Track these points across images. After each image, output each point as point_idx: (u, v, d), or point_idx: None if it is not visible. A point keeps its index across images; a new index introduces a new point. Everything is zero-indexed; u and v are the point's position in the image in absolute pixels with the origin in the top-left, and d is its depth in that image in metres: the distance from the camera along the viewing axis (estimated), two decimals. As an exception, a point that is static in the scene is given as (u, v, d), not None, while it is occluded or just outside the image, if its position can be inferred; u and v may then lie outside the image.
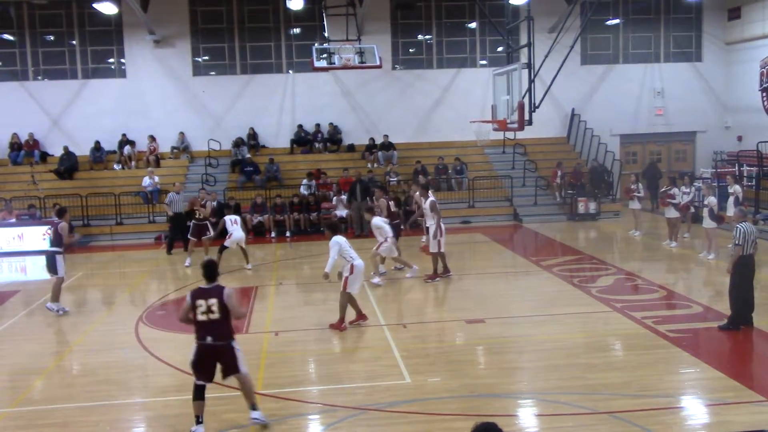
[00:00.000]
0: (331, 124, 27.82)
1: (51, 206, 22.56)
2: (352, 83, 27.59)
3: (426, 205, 15.66)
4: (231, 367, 8.04)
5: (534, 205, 25.39)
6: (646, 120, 29.12)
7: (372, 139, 27.25)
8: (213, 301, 7.90)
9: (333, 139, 27.71)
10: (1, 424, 8.56)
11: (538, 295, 14.25)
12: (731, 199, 17.65)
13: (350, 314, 12.17)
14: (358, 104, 28.11)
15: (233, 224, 17.36)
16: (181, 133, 27.23)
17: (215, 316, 7.90)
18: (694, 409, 8.67)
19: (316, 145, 27.53)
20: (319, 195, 24.43)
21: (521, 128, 18.35)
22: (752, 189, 22.80)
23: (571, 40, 20.24)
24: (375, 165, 26.49)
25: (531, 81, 18.13)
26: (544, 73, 19.08)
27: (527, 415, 8.62)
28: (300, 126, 27.68)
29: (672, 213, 18.92)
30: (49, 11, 26.89)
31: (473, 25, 28.50)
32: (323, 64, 21.70)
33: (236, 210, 23.06)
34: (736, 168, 24.12)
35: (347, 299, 12.02)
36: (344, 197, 23.59)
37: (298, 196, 24.16)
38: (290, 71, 27.91)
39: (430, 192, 16.23)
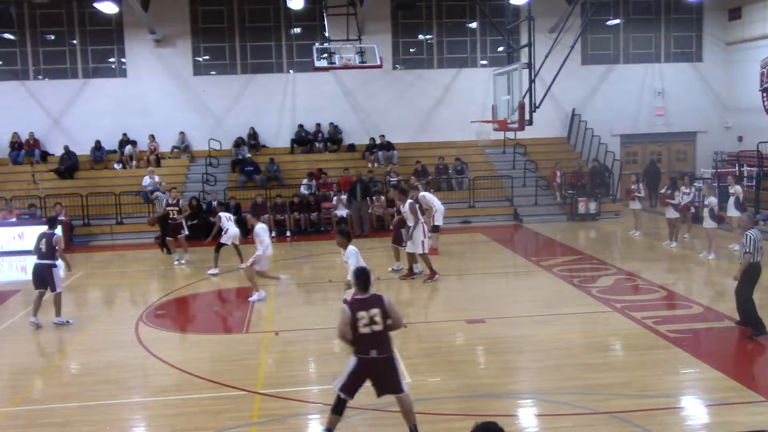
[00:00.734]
0: (331, 123, 27.82)
1: (51, 206, 22.62)
2: (352, 83, 27.59)
3: (405, 207, 15.53)
4: (392, 386, 7.48)
5: (534, 205, 25.39)
6: (646, 120, 29.12)
7: (372, 139, 27.26)
8: (375, 311, 7.37)
9: (333, 138, 27.71)
10: (1, 424, 8.56)
11: (539, 295, 14.25)
12: (732, 200, 17.66)
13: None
14: (359, 104, 28.11)
15: (228, 221, 17.38)
16: (182, 133, 27.23)
17: (378, 327, 7.36)
18: (694, 409, 8.67)
19: (317, 144, 27.54)
20: (319, 195, 24.44)
21: (522, 128, 18.36)
22: (752, 189, 22.79)
23: (572, 40, 20.27)
24: (375, 165, 26.50)
25: (531, 81, 18.14)
26: (544, 73, 19.09)
27: (527, 415, 8.62)
28: (300, 126, 27.69)
29: (672, 213, 18.92)
30: (50, 10, 26.89)
31: (474, 25, 28.51)
32: (324, 63, 21.71)
33: (237, 210, 23.13)
34: (737, 168, 24.12)
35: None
36: (344, 197, 23.58)
37: (299, 195, 24.16)
38: (291, 71, 27.91)
39: (424, 190, 16.11)
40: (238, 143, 26.92)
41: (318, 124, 27.73)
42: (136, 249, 21.48)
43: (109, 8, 23.76)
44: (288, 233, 23.16)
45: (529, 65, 18.15)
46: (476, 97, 26.63)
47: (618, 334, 11.46)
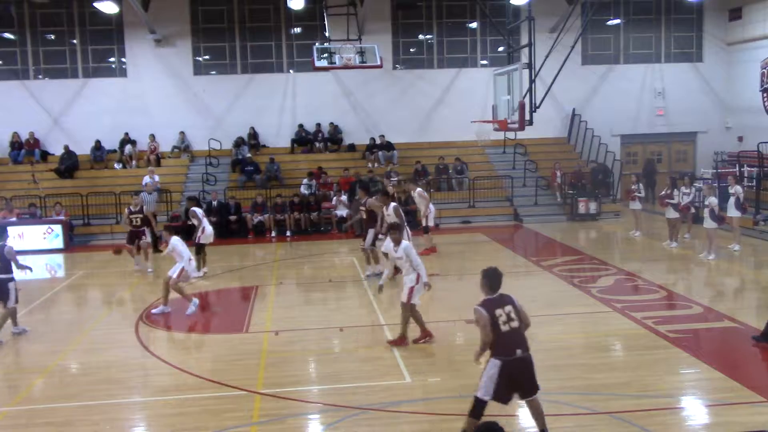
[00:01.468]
0: (331, 123, 27.82)
1: (52, 205, 22.63)
2: (352, 83, 27.59)
3: (389, 211, 15.44)
4: (533, 385, 7.25)
5: (534, 205, 25.39)
6: (646, 120, 29.12)
7: (372, 138, 27.27)
8: (509, 308, 7.22)
9: (333, 138, 27.72)
10: (1, 423, 8.56)
11: (539, 295, 14.23)
12: (732, 200, 17.64)
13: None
14: (359, 104, 28.11)
15: (203, 217, 16.65)
16: (182, 133, 27.24)
17: (516, 323, 7.18)
18: (694, 409, 8.67)
19: (317, 144, 27.54)
20: (319, 195, 24.43)
21: (522, 128, 18.35)
22: (753, 189, 22.79)
23: (572, 40, 20.25)
24: (375, 165, 26.50)
25: (532, 81, 18.13)
26: (544, 73, 19.07)
27: (527, 415, 8.61)
28: (300, 125, 27.69)
29: (672, 213, 18.92)
30: (50, 10, 26.90)
31: (474, 25, 28.51)
32: (324, 63, 21.71)
33: (237, 209, 23.13)
34: (737, 168, 24.12)
35: (411, 312, 10.96)
36: (345, 197, 23.58)
37: (299, 195, 24.16)
38: (291, 71, 27.91)
39: (418, 189, 15.97)
40: (239, 143, 26.92)
41: (318, 124, 27.73)
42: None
43: (110, 8, 23.76)
44: (288, 233, 23.15)
45: (530, 65, 18.14)
46: (476, 97, 26.62)
47: (618, 334, 11.46)
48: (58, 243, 21.74)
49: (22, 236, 21.44)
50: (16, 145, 26.50)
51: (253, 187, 25.17)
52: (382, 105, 28.01)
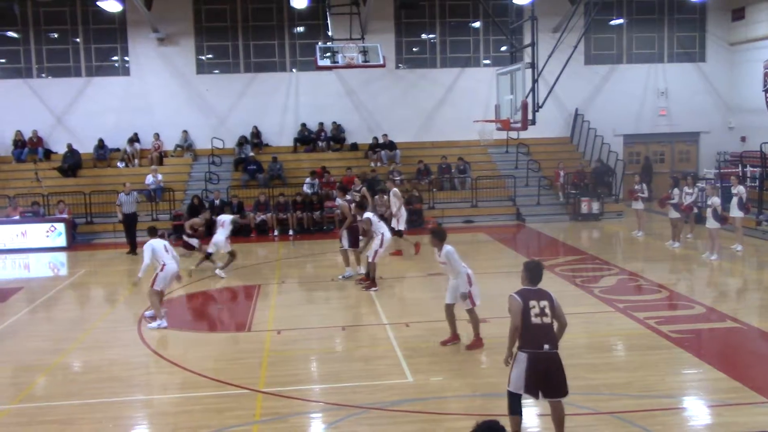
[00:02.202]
0: (334, 122, 27.84)
1: (55, 203, 22.67)
2: (355, 82, 27.60)
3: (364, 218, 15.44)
4: (560, 387, 7.07)
5: (537, 204, 25.38)
6: (649, 120, 29.11)
7: (375, 138, 27.28)
8: (545, 303, 7.16)
9: (336, 137, 27.73)
10: (3, 421, 8.58)
11: (541, 295, 14.23)
12: (735, 200, 17.65)
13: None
14: (362, 103, 28.12)
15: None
16: (185, 131, 27.27)
17: (548, 320, 7.10)
18: (696, 409, 8.66)
19: (320, 143, 27.56)
20: (322, 194, 24.44)
21: (524, 128, 18.33)
22: (756, 190, 22.76)
23: (575, 39, 20.23)
24: (378, 164, 26.50)
25: (534, 81, 18.11)
26: (547, 72, 19.05)
27: (529, 414, 8.59)
28: (303, 125, 27.70)
29: (674, 213, 18.91)
30: (53, 8, 26.97)
31: (477, 24, 28.50)
32: (327, 63, 21.70)
33: (239, 208, 23.11)
34: (740, 169, 24.09)
35: (447, 312, 10.93)
36: (349, 196, 23.54)
37: (301, 194, 24.17)
38: (294, 70, 27.93)
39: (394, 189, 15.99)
40: (241, 142, 26.95)
41: (321, 123, 27.75)
42: (139, 247, 21.44)
43: (113, 6, 23.79)
44: (291, 232, 23.17)
45: (532, 65, 18.13)
46: (479, 97, 26.62)
47: (620, 334, 11.45)
48: (61, 241, 21.77)
49: (25, 234, 21.52)
50: (19, 143, 26.56)
51: (255, 186, 25.20)
52: (384, 104, 28.02)
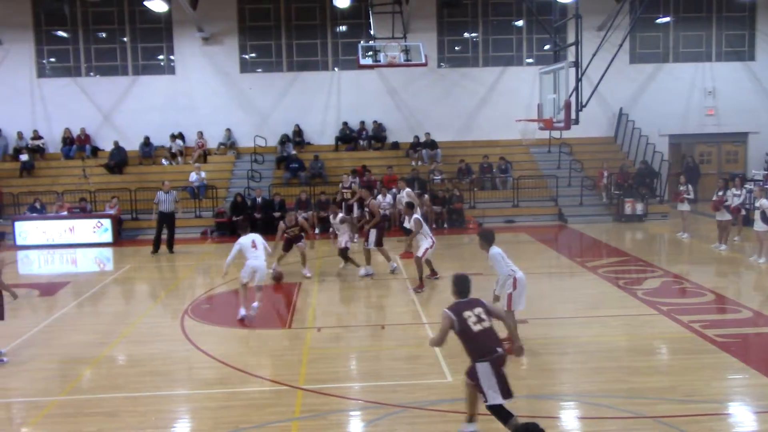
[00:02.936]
0: (375, 121, 27.90)
1: (107, 200, 23.17)
2: (397, 81, 27.63)
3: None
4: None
5: (579, 205, 25.10)
6: (696, 120, 28.58)
7: (416, 137, 27.26)
8: (479, 309, 7.44)
9: (377, 136, 27.78)
10: (52, 412, 8.79)
11: (583, 296, 14.09)
12: (758, 214, 17.12)
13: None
14: (403, 102, 28.13)
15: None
16: (228, 130, 27.59)
17: (488, 324, 7.39)
18: (742, 416, 8.48)
19: (361, 142, 27.64)
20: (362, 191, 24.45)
21: (567, 127, 18.16)
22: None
23: (620, 38, 19.96)
24: (419, 163, 26.48)
25: (578, 80, 17.94)
26: (591, 71, 18.83)
27: (569, 417, 8.54)
28: (345, 123, 27.82)
29: (724, 216, 18.50)
30: (102, 9, 27.52)
31: (520, 23, 28.30)
32: (369, 61, 21.70)
33: (281, 206, 23.18)
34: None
35: (513, 319, 10.45)
36: (389, 196, 23.55)
37: (342, 193, 24.21)
38: (336, 69, 28.06)
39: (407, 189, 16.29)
40: (284, 140, 27.17)
41: (362, 122, 27.83)
42: (183, 243, 21.79)
43: (159, 6, 24.18)
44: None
45: (576, 64, 17.95)
46: (521, 96, 26.44)
47: (664, 337, 11.27)
48: (108, 237, 22.22)
49: (73, 230, 22.02)
50: (68, 140, 27.17)
51: (297, 184, 25.38)
52: (426, 103, 27.99)
